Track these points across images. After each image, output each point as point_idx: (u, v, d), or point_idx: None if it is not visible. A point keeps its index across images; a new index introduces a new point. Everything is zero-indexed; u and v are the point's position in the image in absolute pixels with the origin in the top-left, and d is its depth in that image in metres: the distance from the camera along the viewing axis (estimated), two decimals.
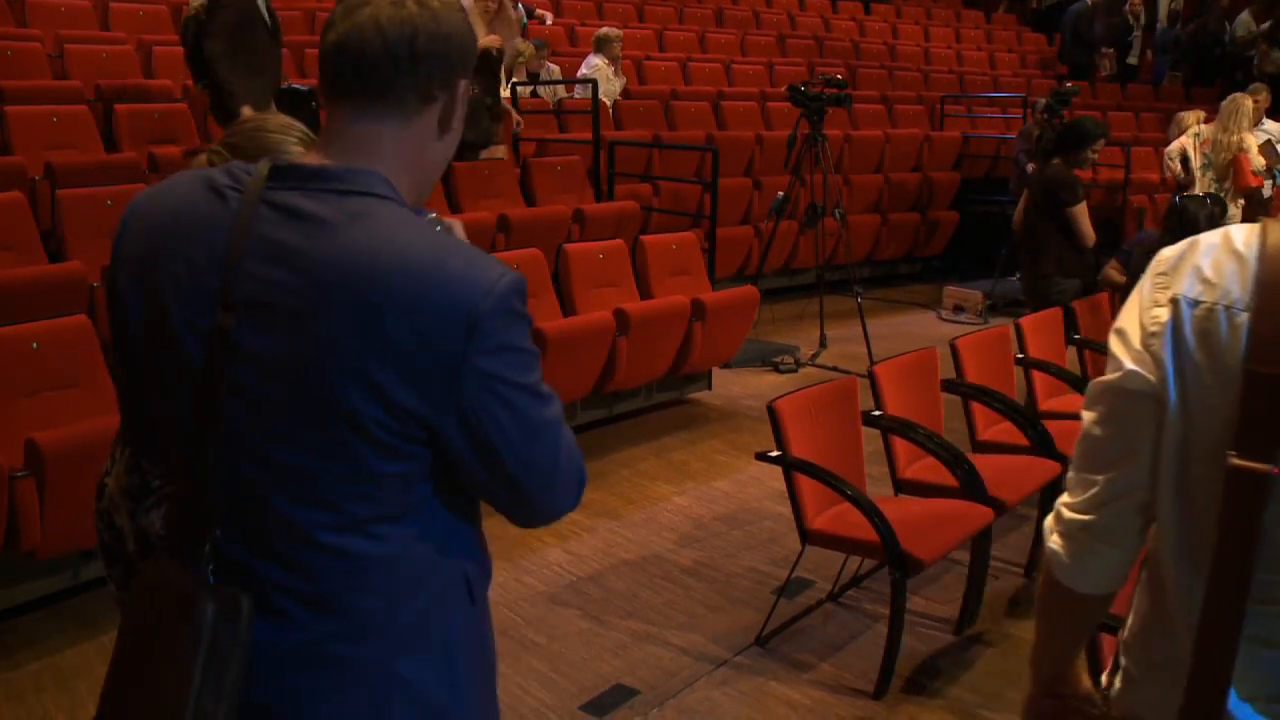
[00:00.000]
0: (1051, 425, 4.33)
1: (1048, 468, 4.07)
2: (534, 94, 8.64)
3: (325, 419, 1.27)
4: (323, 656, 1.36)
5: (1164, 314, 1.24)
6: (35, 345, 3.68)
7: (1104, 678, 1.49)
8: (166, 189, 1.40)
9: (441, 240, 1.31)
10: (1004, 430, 4.42)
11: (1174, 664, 1.26)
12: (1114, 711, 1.41)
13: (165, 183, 1.42)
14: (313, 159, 1.35)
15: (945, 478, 3.82)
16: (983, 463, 3.89)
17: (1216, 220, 5.17)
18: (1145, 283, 1.29)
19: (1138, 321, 1.27)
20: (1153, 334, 1.24)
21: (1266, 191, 7.74)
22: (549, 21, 10.67)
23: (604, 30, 9.01)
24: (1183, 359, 1.22)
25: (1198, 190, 7.28)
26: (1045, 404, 4.88)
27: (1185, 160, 7.83)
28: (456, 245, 1.32)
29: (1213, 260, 1.23)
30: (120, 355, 1.48)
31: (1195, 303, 1.22)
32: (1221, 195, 7.00)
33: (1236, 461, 1.16)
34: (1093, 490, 1.32)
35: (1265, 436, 1.15)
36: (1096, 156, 5.63)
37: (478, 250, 1.33)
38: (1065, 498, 1.37)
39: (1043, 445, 4.18)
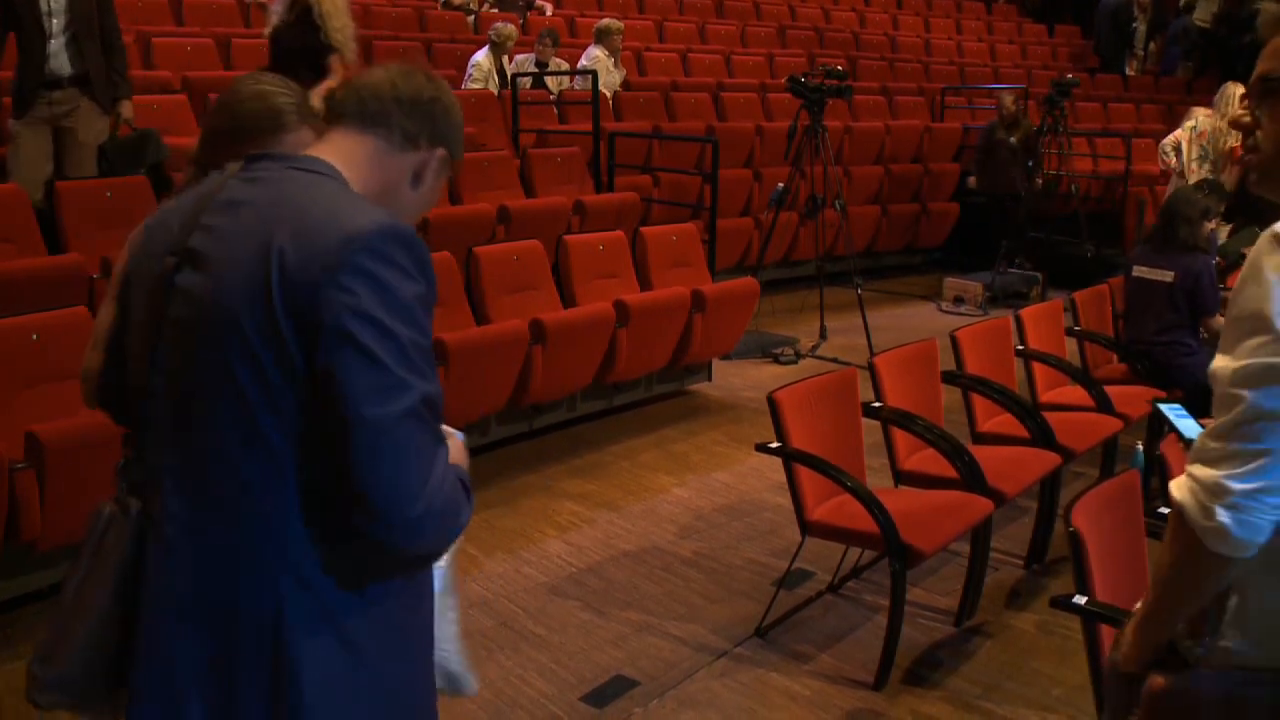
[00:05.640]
0: (1052, 417, 4.33)
1: (1048, 459, 4.07)
2: (536, 84, 8.62)
3: (231, 339, 1.39)
4: (235, 562, 1.44)
5: None
6: (35, 337, 3.68)
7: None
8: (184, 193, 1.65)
9: (350, 196, 1.47)
10: (1004, 422, 4.42)
11: None
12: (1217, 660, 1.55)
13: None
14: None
15: (945, 469, 3.82)
16: (983, 454, 3.89)
17: (1211, 213, 5.16)
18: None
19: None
20: None
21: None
22: (549, 13, 10.65)
23: (604, 22, 8.99)
24: None
25: (1191, 182, 7.28)
26: (1045, 396, 4.88)
27: (1179, 152, 7.84)
28: (362, 201, 1.47)
29: None
30: (116, 339, 1.64)
31: None
32: (1220, 181, 6.99)
33: None
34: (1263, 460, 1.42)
35: None
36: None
37: (381, 209, 1.46)
38: (1223, 471, 1.44)
39: (1043, 437, 4.18)
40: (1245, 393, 1.41)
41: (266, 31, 5.56)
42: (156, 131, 5.36)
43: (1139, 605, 1.65)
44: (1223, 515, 1.42)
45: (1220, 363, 1.45)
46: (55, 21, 4.98)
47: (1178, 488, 1.49)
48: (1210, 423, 2.09)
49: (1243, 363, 1.41)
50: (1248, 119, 1.58)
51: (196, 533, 1.45)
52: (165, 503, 1.48)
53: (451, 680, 1.82)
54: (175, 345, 1.47)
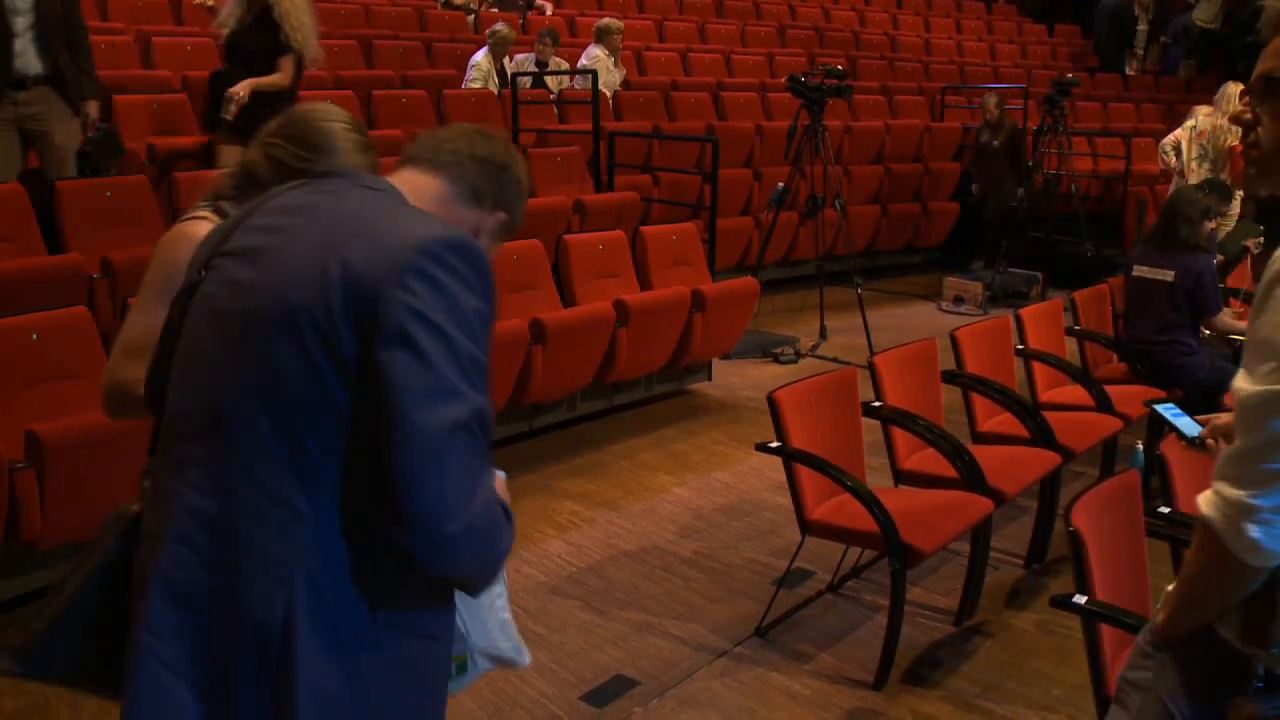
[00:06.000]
0: (1052, 416, 4.33)
1: (1048, 459, 4.07)
2: (536, 83, 8.62)
3: (284, 335, 1.36)
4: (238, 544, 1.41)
5: None
6: (35, 336, 3.68)
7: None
8: None
9: (419, 210, 1.49)
10: (1004, 421, 4.42)
11: None
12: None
13: None
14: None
15: (945, 469, 3.82)
16: (983, 454, 3.89)
17: (1211, 212, 5.17)
18: None
19: None
20: None
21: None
22: (549, 12, 10.65)
23: (605, 21, 8.99)
24: None
25: (1191, 181, 7.28)
26: (1045, 395, 4.88)
27: (1179, 151, 7.85)
28: (427, 213, 1.49)
29: None
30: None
31: None
32: (1225, 181, 7.00)
33: None
34: None
35: None
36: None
37: (443, 222, 1.47)
38: (1248, 491, 1.51)
39: (1043, 436, 4.18)
40: (1262, 418, 1.49)
41: (223, 33, 5.47)
42: (117, 129, 5.31)
43: (1168, 597, 1.71)
44: (1253, 531, 1.50)
45: (1240, 382, 1.52)
46: (20, 20, 4.78)
47: (1207, 504, 1.56)
48: (1206, 419, 2.10)
49: (1258, 388, 1.49)
50: (1248, 115, 1.62)
51: (216, 527, 1.41)
52: (185, 496, 1.44)
53: (504, 663, 1.82)
54: (218, 335, 1.44)
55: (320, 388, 1.35)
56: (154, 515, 1.49)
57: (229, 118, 5.26)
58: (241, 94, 5.19)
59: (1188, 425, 2.12)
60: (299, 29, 5.24)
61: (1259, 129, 1.61)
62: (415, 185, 1.58)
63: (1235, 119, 1.68)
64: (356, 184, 1.52)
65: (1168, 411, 2.21)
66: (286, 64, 5.27)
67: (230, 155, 5.46)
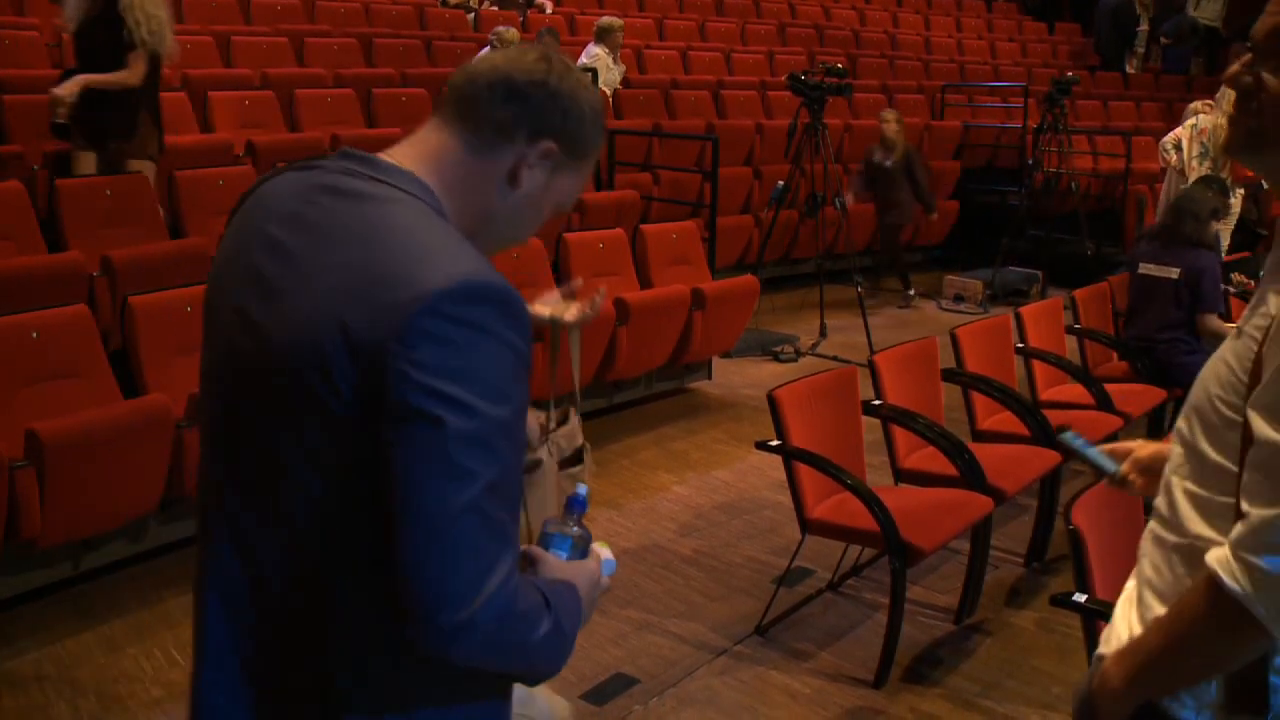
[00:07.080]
0: (1051, 414, 4.33)
1: (1047, 457, 4.07)
2: None
3: (287, 389, 1.24)
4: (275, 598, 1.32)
5: None
6: (35, 335, 3.68)
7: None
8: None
9: (433, 230, 1.27)
10: (1004, 419, 4.42)
11: None
12: None
13: None
14: (383, 153, 1.36)
15: (945, 467, 3.82)
16: (983, 452, 3.89)
17: (1220, 212, 5.17)
18: None
19: None
20: None
21: (1266, 184, 7.74)
22: (549, 10, 10.65)
23: (605, 20, 8.98)
24: None
25: (1190, 179, 7.28)
26: (1045, 393, 4.88)
27: (1179, 149, 7.86)
28: (445, 242, 1.25)
29: None
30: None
31: None
32: (1223, 179, 7.00)
33: None
34: None
35: None
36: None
37: (468, 250, 1.25)
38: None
39: (1043, 435, 4.18)
40: None
41: (70, 27, 5.16)
42: None
43: (1120, 650, 1.50)
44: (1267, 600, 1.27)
45: (1266, 429, 1.27)
46: None
47: (1226, 570, 1.30)
48: (1114, 449, 1.86)
49: None
50: (1247, 78, 1.38)
51: (256, 575, 1.32)
52: (228, 533, 1.34)
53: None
54: (241, 380, 1.32)
55: (334, 458, 1.24)
56: (203, 534, 1.40)
57: (60, 120, 4.92)
58: (66, 93, 4.83)
59: (1101, 459, 1.88)
60: (146, 23, 4.93)
61: (1261, 95, 1.36)
62: (436, 149, 1.35)
63: (1232, 80, 1.40)
64: (375, 179, 1.31)
65: (1075, 442, 1.94)
66: (135, 60, 4.94)
67: (87, 163, 5.19)
